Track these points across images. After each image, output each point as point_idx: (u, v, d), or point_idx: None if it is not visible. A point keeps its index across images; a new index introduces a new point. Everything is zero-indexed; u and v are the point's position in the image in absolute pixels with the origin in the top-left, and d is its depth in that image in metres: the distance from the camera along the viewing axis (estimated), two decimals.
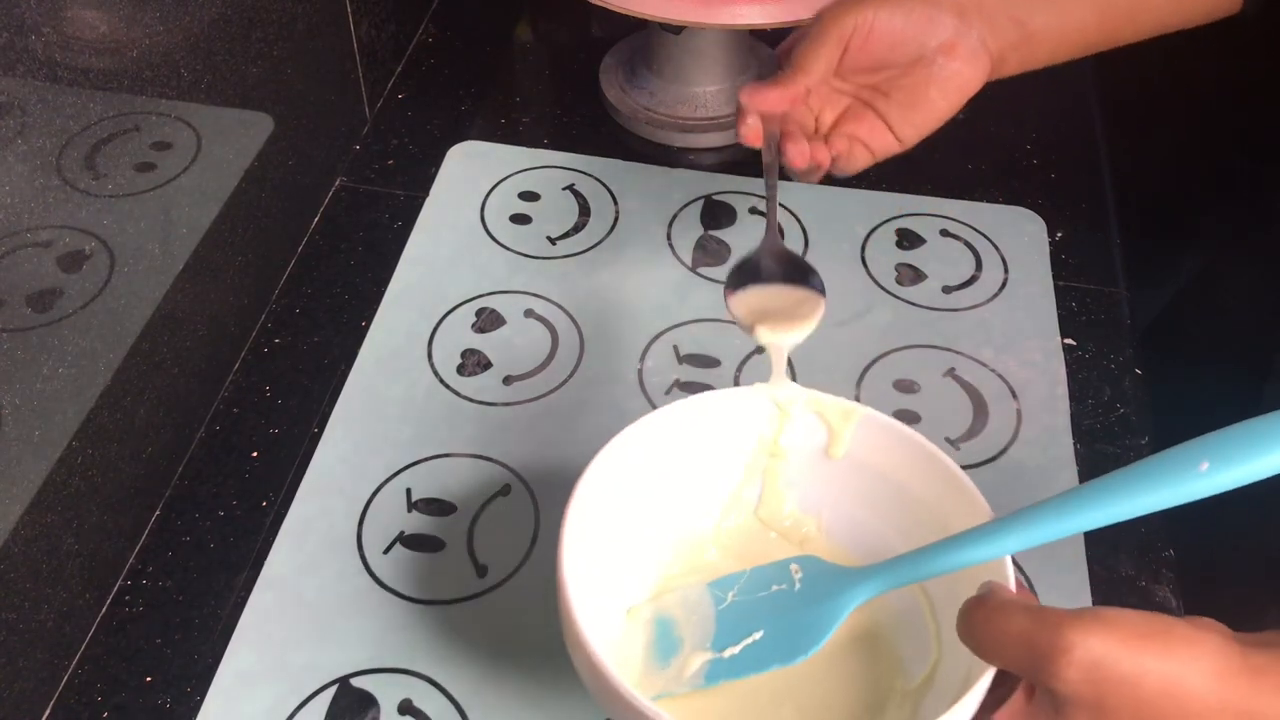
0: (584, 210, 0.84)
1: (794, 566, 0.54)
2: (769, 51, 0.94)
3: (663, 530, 0.58)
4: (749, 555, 0.57)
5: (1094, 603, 0.63)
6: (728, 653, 0.52)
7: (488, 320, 0.77)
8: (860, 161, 0.64)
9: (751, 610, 0.53)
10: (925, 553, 0.48)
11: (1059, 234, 0.83)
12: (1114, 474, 0.44)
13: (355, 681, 0.60)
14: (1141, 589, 0.64)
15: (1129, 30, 0.63)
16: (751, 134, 0.63)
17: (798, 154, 0.61)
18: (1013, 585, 0.47)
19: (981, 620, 0.43)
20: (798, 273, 0.60)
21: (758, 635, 0.52)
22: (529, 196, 0.85)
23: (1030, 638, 0.41)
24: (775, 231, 0.62)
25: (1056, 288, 0.79)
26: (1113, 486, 0.43)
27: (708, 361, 0.75)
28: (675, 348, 0.75)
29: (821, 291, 0.59)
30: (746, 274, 0.60)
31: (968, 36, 0.60)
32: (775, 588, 0.53)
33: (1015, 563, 0.51)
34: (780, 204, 0.85)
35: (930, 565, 0.48)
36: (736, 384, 0.73)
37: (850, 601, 0.51)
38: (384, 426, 0.71)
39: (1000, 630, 0.42)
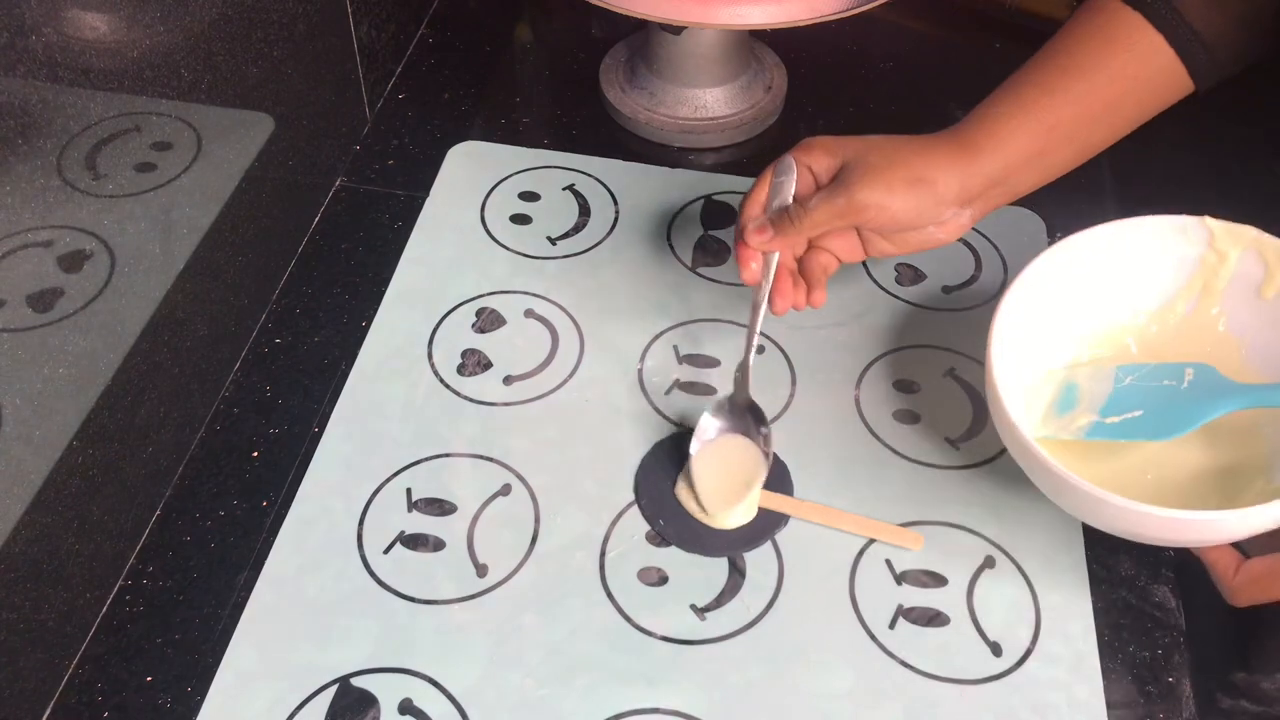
0: (584, 210, 0.84)
1: (1188, 371, 0.62)
2: (769, 52, 0.94)
3: (1095, 317, 0.68)
4: (1162, 354, 0.67)
5: (1093, 602, 0.63)
6: (1110, 419, 0.62)
7: (488, 320, 0.77)
8: (829, 270, 0.68)
9: (1141, 394, 0.63)
10: None
11: (1059, 234, 0.83)
12: None
13: (355, 681, 0.60)
14: (1141, 588, 0.64)
15: (1104, 141, 0.67)
16: (753, 277, 0.67)
17: (782, 305, 0.66)
18: None
19: None
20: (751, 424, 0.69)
21: (1138, 413, 0.62)
22: (529, 196, 0.85)
23: None
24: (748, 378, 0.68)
25: None
26: None
27: (708, 361, 0.75)
28: (675, 348, 0.75)
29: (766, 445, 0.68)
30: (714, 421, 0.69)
31: (961, 215, 0.65)
32: (1166, 382, 0.63)
33: None
34: None
35: None
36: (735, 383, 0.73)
37: (1224, 406, 0.59)
38: (384, 426, 0.71)
39: None
